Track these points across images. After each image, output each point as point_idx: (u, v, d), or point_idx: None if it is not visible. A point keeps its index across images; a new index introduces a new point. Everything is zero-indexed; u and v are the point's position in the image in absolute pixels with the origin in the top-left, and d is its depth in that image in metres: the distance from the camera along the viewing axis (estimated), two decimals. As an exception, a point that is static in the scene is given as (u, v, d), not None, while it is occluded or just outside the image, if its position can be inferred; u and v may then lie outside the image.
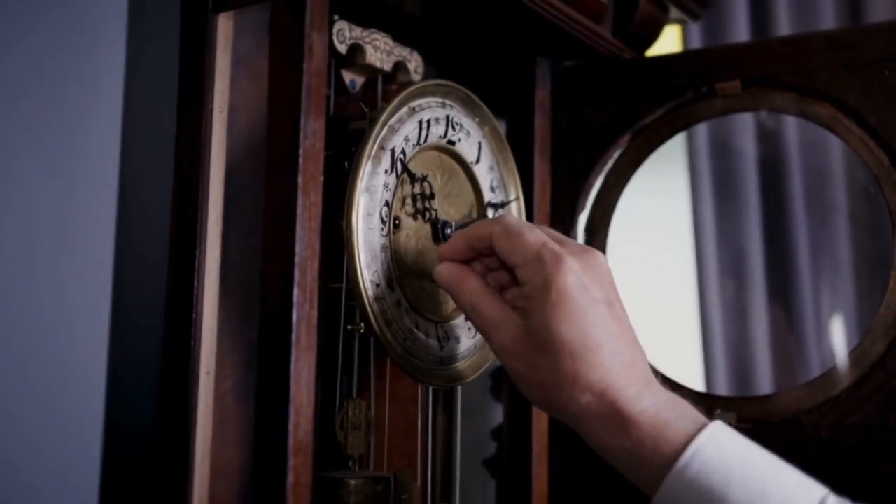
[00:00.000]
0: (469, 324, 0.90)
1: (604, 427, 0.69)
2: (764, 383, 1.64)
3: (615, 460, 0.71)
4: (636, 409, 0.69)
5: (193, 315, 0.79)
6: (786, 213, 1.73)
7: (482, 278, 0.78)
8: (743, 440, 0.69)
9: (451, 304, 0.90)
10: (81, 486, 0.86)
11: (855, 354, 0.90)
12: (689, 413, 0.70)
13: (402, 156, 0.84)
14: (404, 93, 0.84)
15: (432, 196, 0.88)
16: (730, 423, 0.70)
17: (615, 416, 0.69)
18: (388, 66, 0.91)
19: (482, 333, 0.77)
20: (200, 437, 0.78)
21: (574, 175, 1.05)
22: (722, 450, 0.67)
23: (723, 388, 1.66)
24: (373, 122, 0.82)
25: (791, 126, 1.70)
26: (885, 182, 0.91)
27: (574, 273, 0.71)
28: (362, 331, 0.82)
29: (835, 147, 1.63)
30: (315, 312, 0.73)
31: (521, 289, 0.73)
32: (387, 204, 0.82)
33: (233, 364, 0.80)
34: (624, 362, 0.70)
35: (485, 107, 0.93)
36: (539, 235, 0.74)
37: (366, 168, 0.80)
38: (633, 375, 0.70)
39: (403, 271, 0.85)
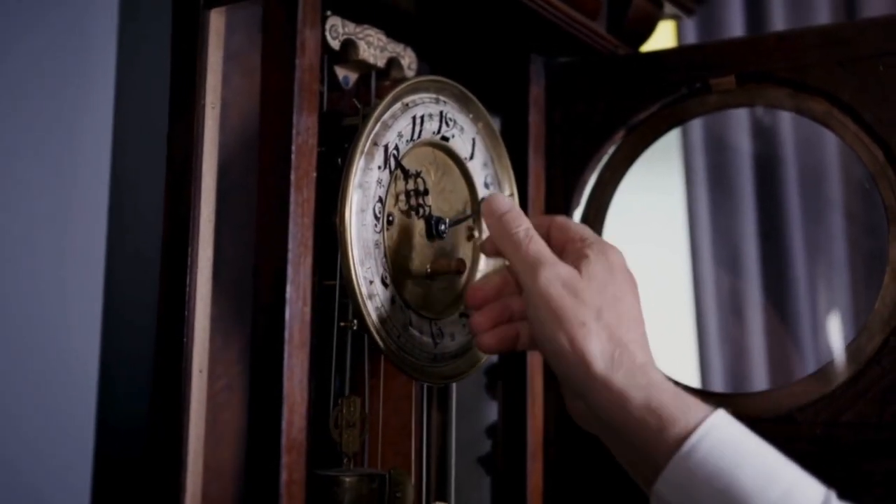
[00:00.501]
0: (463, 320, 0.90)
1: (629, 381, 0.70)
2: (759, 380, 1.64)
3: (627, 423, 0.70)
4: (659, 376, 0.71)
5: (186, 313, 0.78)
6: (781, 209, 1.73)
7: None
8: (747, 430, 0.71)
9: (445, 301, 0.89)
10: (75, 484, 0.85)
11: (850, 350, 0.90)
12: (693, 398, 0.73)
13: (395, 152, 0.84)
14: (397, 89, 0.83)
15: (426, 192, 0.88)
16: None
17: (641, 375, 0.71)
18: (381, 62, 0.91)
19: (531, 264, 0.75)
20: (193, 435, 0.78)
21: (568, 171, 1.05)
22: (731, 433, 0.69)
23: (718, 385, 1.66)
24: (366, 118, 0.81)
25: (786, 122, 1.70)
26: (880, 178, 0.91)
27: (622, 257, 0.77)
28: (355, 327, 0.82)
29: (830, 143, 1.64)
30: (308, 310, 0.73)
31: (584, 241, 0.78)
32: (380, 200, 0.82)
33: (226, 362, 0.80)
34: (648, 345, 0.74)
35: (479, 103, 0.92)
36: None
37: (359, 164, 0.80)
38: (651, 355, 0.74)
39: (397, 268, 0.84)
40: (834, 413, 0.89)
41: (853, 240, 1.67)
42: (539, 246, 0.76)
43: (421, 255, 0.87)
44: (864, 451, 0.87)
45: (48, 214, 0.84)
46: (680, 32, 1.67)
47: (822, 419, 0.89)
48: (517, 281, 0.78)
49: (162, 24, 0.84)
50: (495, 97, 1.05)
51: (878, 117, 0.90)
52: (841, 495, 0.67)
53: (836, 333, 1.63)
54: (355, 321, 0.81)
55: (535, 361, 1.02)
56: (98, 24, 0.88)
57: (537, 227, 0.79)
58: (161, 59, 0.83)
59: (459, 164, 0.92)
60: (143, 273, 0.86)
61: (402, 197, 0.86)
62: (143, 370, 0.82)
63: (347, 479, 0.80)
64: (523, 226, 0.78)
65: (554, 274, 0.74)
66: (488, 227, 0.81)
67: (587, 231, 0.79)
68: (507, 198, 0.82)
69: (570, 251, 0.78)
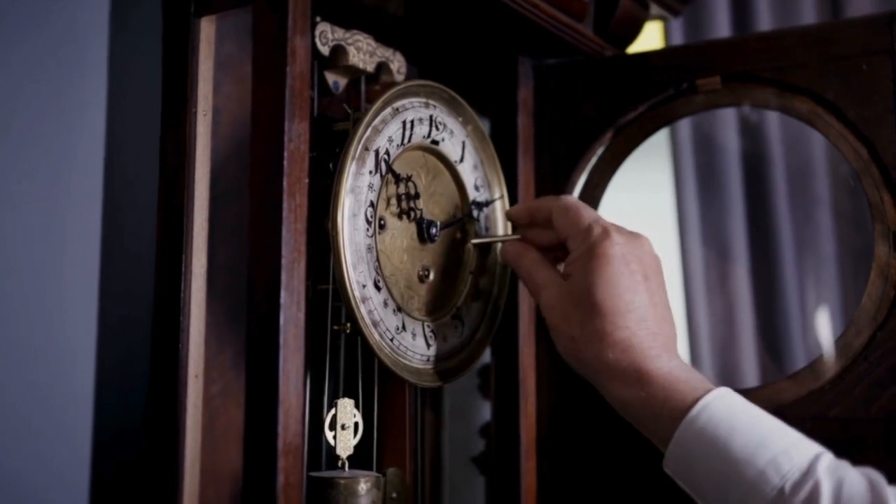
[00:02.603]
0: (456, 322, 0.91)
1: (621, 381, 0.76)
2: (749, 377, 1.65)
3: (630, 413, 0.77)
4: (653, 366, 0.75)
5: (181, 319, 0.79)
6: (770, 206, 1.74)
7: (539, 252, 0.86)
8: (749, 403, 0.75)
9: (437, 304, 0.90)
10: (72, 489, 0.86)
11: (838, 346, 0.91)
12: (701, 378, 0.76)
13: (386, 156, 0.84)
14: (387, 94, 0.84)
15: (417, 196, 0.88)
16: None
17: (633, 371, 0.75)
18: (370, 67, 0.92)
19: (533, 295, 0.85)
20: (190, 440, 0.79)
21: (558, 172, 1.06)
22: (729, 406, 0.73)
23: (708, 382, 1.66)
24: (356, 123, 0.82)
25: (774, 120, 1.71)
26: (864, 175, 0.92)
27: (617, 246, 0.79)
28: (349, 331, 0.82)
29: (818, 141, 1.65)
30: (302, 314, 0.73)
31: (569, 256, 0.81)
32: (371, 205, 0.83)
33: (221, 367, 0.80)
34: (649, 329, 0.77)
35: (468, 106, 0.93)
36: (592, 213, 0.83)
37: (350, 169, 0.80)
38: (655, 341, 0.77)
39: (389, 271, 0.85)
40: (822, 408, 0.90)
41: (841, 236, 1.68)
42: (535, 275, 0.84)
43: (413, 258, 0.88)
44: (852, 446, 0.88)
45: (40, 222, 0.84)
46: (667, 33, 1.68)
47: (811, 414, 0.90)
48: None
49: (153, 32, 0.84)
50: (484, 100, 1.06)
51: (862, 115, 0.91)
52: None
53: (824, 329, 1.64)
54: (348, 324, 0.82)
55: (527, 361, 1.03)
56: (88, 34, 0.89)
57: (538, 210, 0.87)
58: (152, 67, 0.84)
59: (450, 167, 0.93)
60: (137, 280, 0.86)
61: (394, 201, 0.87)
62: (139, 376, 0.83)
63: (342, 481, 0.80)
64: (525, 262, 0.86)
65: (545, 300, 0.82)
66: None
67: (583, 222, 0.82)
68: (510, 247, 0.89)
69: (570, 249, 0.82)
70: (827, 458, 0.70)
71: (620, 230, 0.81)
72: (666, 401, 0.74)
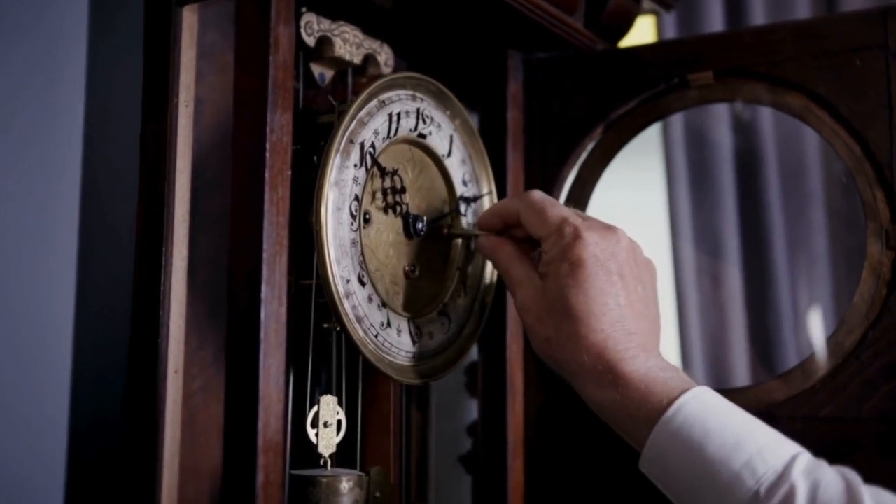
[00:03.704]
0: (442, 319, 0.90)
1: (597, 383, 0.75)
2: (740, 375, 1.64)
3: (607, 415, 0.76)
4: (628, 369, 0.74)
5: (160, 313, 0.78)
6: (763, 204, 1.73)
7: (516, 245, 0.84)
8: (726, 402, 0.73)
9: (423, 300, 0.89)
10: (48, 486, 0.85)
11: (829, 345, 0.90)
12: (680, 377, 0.75)
13: (371, 149, 0.83)
14: (373, 86, 0.83)
15: (403, 190, 0.87)
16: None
17: (607, 374, 0.74)
18: (357, 59, 0.90)
19: (510, 291, 0.83)
20: (169, 436, 0.77)
21: (547, 168, 1.05)
22: (704, 406, 0.72)
23: (699, 381, 1.65)
24: (342, 115, 0.81)
25: (767, 117, 1.71)
26: (857, 173, 0.91)
27: (590, 246, 0.77)
28: (338, 328, 0.81)
29: (811, 137, 1.64)
30: (284, 309, 0.72)
31: (543, 257, 0.80)
32: (356, 198, 0.81)
33: (202, 363, 0.79)
34: (625, 329, 0.76)
35: (456, 100, 0.92)
36: (561, 210, 0.81)
37: (335, 162, 0.79)
38: (630, 342, 0.75)
39: (374, 266, 0.84)
40: (813, 408, 0.89)
41: (834, 234, 1.67)
42: (511, 272, 0.83)
43: (399, 253, 0.87)
44: (843, 446, 0.87)
45: (18, 214, 0.83)
46: (659, 28, 1.67)
47: (802, 414, 0.89)
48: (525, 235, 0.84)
49: (134, 21, 0.83)
50: (473, 94, 1.05)
51: (855, 111, 0.90)
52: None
53: (816, 328, 1.64)
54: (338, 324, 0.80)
55: (515, 359, 1.01)
56: (69, 23, 0.87)
57: (506, 215, 0.84)
58: (133, 57, 0.83)
59: (437, 161, 0.91)
60: (117, 273, 0.85)
61: (379, 195, 0.85)
62: (117, 372, 0.81)
63: (324, 480, 0.79)
64: (502, 257, 0.84)
65: (520, 300, 0.81)
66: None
67: (552, 223, 0.79)
68: (485, 239, 0.86)
69: (543, 250, 0.80)
70: (803, 459, 0.68)
71: (592, 226, 0.78)
72: (642, 402, 0.73)
